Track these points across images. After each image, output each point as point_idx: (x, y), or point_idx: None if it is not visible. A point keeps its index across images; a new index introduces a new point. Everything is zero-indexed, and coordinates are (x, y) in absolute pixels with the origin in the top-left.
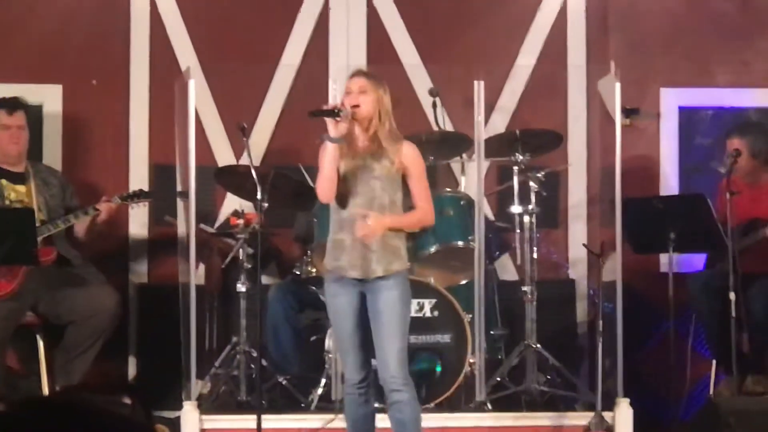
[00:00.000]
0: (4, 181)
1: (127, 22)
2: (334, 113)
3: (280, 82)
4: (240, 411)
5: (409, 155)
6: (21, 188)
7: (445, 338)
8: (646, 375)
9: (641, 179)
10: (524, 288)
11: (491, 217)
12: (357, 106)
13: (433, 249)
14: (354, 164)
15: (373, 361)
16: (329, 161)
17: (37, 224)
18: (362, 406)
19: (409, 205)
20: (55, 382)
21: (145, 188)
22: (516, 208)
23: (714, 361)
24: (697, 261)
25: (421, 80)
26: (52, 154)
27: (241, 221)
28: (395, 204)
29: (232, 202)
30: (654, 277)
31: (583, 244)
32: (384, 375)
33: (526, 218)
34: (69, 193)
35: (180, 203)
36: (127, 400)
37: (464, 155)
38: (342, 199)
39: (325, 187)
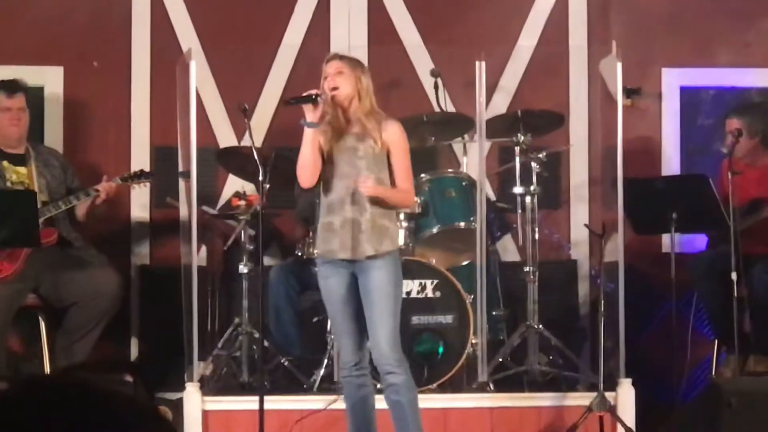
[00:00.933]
0: (5, 163)
1: (128, 4)
2: (311, 99)
3: (281, 62)
4: (242, 392)
5: (393, 133)
6: (22, 170)
7: (447, 319)
8: (648, 355)
9: (643, 160)
10: (526, 269)
11: (493, 197)
12: (336, 88)
13: (435, 230)
14: (338, 146)
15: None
16: (308, 147)
17: (39, 205)
18: (360, 388)
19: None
20: (57, 363)
21: (147, 169)
22: (518, 189)
23: (716, 342)
24: (698, 241)
25: (422, 61)
26: (54, 136)
27: (242, 202)
28: (383, 183)
29: (233, 184)
30: (656, 258)
31: (585, 225)
32: (377, 356)
33: (528, 199)
34: (70, 173)
35: (182, 184)
36: (129, 378)
37: (466, 136)
38: (328, 182)
39: (305, 173)
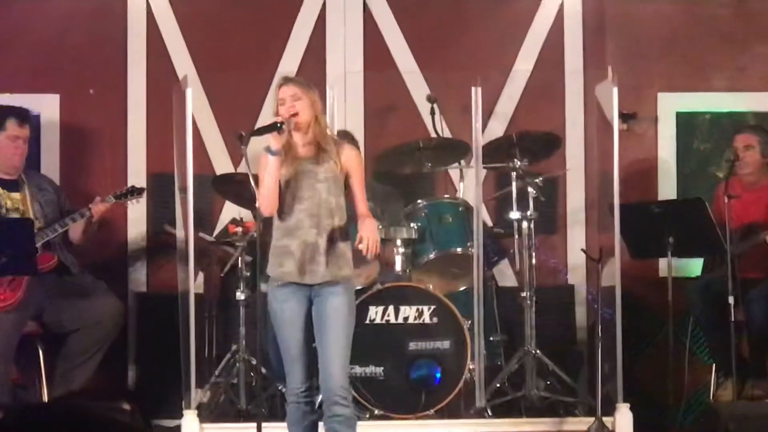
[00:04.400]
0: (0, 190)
1: (124, 31)
2: (276, 127)
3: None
4: (240, 419)
5: (352, 157)
6: (16, 196)
7: (445, 344)
8: (646, 380)
9: (639, 184)
10: (523, 294)
11: (490, 223)
12: (296, 114)
13: (432, 255)
14: (296, 170)
15: None
16: (273, 175)
17: (35, 230)
18: (308, 415)
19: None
20: (56, 390)
21: (138, 185)
22: (514, 214)
23: (713, 366)
24: (695, 266)
25: (418, 87)
26: (50, 164)
27: (239, 229)
28: (341, 207)
29: (230, 211)
30: (653, 282)
31: (582, 250)
32: (327, 384)
33: (525, 224)
34: (63, 197)
35: (179, 211)
36: (126, 406)
37: (462, 162)
38: (286, 206)
39: (268, 201)
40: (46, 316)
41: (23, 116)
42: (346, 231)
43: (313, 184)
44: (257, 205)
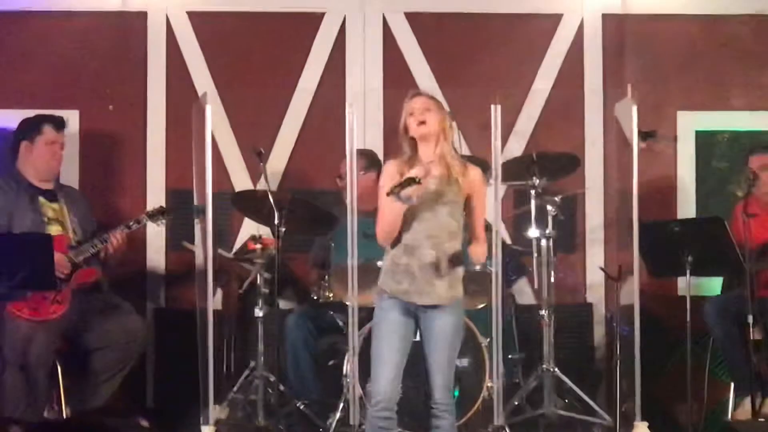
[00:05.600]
0: (42, 199)
1: (144, 48)
2: (414, 182)
3: (296, 107)
4: None
5: (476, 180)
6: (55, 206)
7: (463, 363)
8: (665, 398)
9: (658, 203)
10: (542, 312)
11: (508, 241)
12: (424, 122)
13: None
14: (420, 189)
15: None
16: (398, 217)
17: (73, 244)
18: (385, 429)
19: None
20: (77, 406)
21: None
22: (533, 232)
23: (732, 384)
24: (714, 284)
25: None
26: (70, 180)
27: (258, 246)
28: (461, 230)
29: (249, 227)
30: (671, 301)
31: (600, 268)
32: (432, 399)
33: (544, 242)
34: (91, 213)
35: (197, 228)
36: (145, 423)
37: None
38: (405, 223)
39: (389, 236)
40: (73, 331)
41: (59, 123)
42: (462, 254)
43: (433, 205)
44: (377, 235)
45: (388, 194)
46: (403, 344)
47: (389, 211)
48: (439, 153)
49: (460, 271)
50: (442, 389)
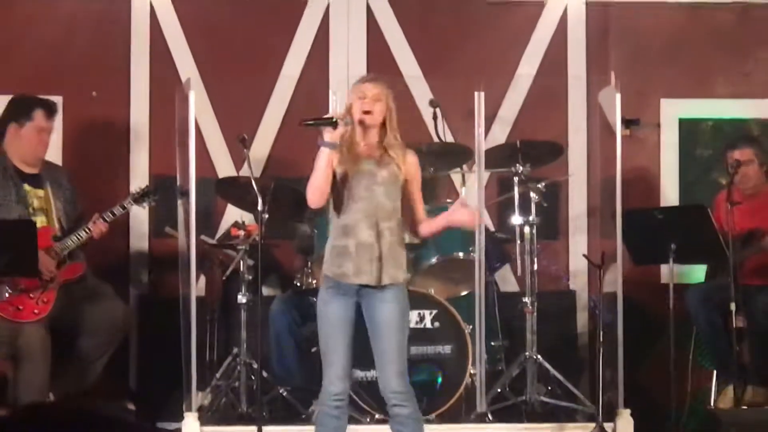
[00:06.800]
0: (27, 187)
1: (127, 34)
2: (330, 122)
3: (280, 93)
4: (241, 422)
5: (413, 165)
6: (40, 192)
7: (446, 349)
8: (647, 386)
9: (642, 190)
10: (525, 299)
11: (492, 228)
12: (369, 112)
13: (433, 260)
14: (355, 169)
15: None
16: (323, 167)
17: (58, 235)
18: (336, 419)
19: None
20: (62, 390)
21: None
22: (516, 219)
23: (714, 372)
24: (697, 272)
25: (421, 92)
26: None
27: (241, 232)
28: (396, 211)
29: (232, 214)
30: (654, 288)
31: (584, 255)
32: (385, 389)
33: (527, 229)
34: (76, 195)
35: (181, 214)
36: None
37: (465, 166)
38: (341, 204)
39: (318, 193)
40: (57, 321)
41: (51, 108)
42: (402, 235)
43: (370, 185)
44: (306, 194)
45: (299, 124)
46: (346, 337)
47: (316, 164)
48: (376, 139)
49: (402, 251)
50: (398, 377)
